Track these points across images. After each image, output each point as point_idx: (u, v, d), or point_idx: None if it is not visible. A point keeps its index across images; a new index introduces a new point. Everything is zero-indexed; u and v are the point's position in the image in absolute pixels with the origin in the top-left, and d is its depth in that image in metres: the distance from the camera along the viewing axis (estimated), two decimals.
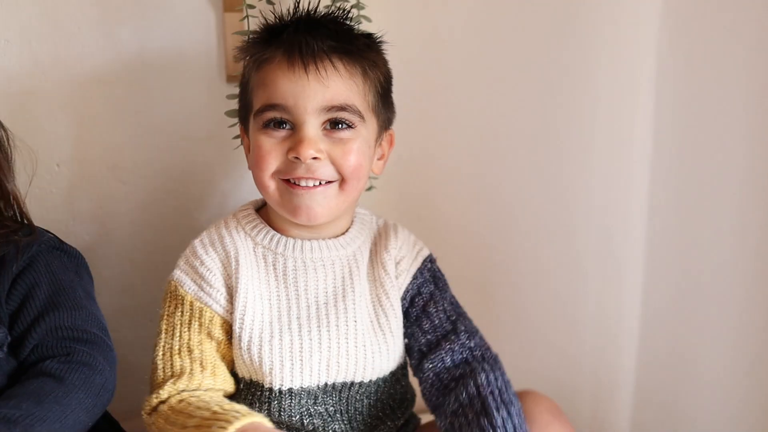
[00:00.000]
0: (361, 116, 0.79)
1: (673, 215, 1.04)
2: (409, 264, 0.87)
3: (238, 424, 0.64)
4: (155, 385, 0.77)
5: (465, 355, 0.83)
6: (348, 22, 0.83)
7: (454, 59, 1.09)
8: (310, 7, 0.81)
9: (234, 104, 0.90)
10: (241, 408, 0.69)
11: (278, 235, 0.83)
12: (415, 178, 1.13)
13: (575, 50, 1.04)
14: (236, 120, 0.93)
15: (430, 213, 1.14)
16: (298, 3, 0.81)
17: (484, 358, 0.83)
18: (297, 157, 0.76)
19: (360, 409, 0.84)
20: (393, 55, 0.86)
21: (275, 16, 0.82)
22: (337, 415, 0.82)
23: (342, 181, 0.79)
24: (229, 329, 0.81)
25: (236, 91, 0.97)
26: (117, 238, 1.05)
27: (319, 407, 0.82)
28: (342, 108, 0.77)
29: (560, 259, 1.11)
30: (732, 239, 0.98)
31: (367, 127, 0.80)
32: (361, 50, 0.80)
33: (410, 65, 0.96)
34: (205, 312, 0.80)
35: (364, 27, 0.91)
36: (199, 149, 1.07)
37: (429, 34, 1.08)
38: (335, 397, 0.82)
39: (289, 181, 0.78)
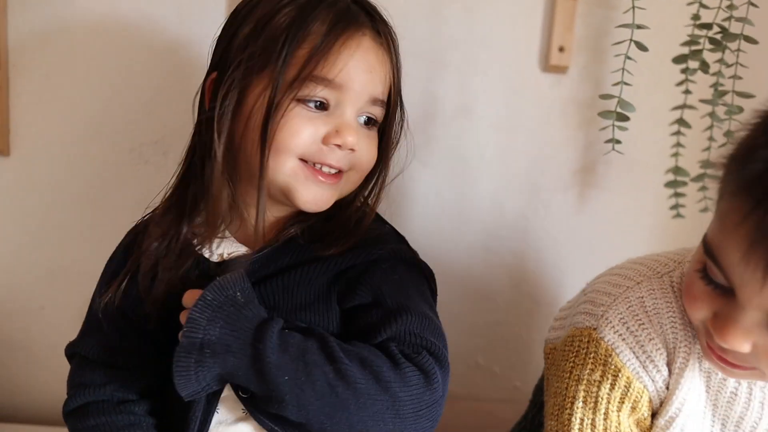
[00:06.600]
0: None
1: None
2: None
3: None
4: None
5: None
6: None
7: None
8: None
9: (606, 105, 0.82)
10: None
11: None
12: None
13: None
14: (609, 122, 0.86)
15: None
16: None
17: None
18: None
19: None
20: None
21: None
22: None
23: None
24: (651, 409, 0.69)
25: (558, 82, 0.95)
26: None
27: None
28: None
29: None
30: None
31: None
32: None
33: None
34: (644, 395, 0.66)
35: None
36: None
37: None
38: None
39: None
